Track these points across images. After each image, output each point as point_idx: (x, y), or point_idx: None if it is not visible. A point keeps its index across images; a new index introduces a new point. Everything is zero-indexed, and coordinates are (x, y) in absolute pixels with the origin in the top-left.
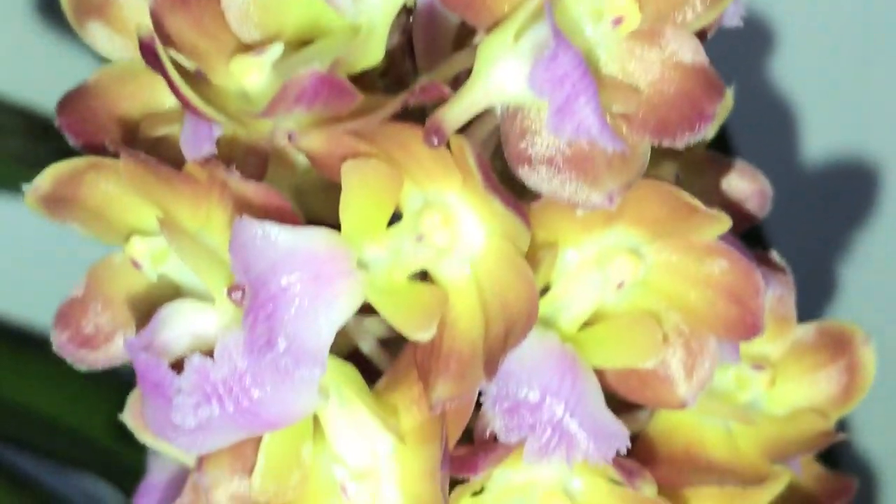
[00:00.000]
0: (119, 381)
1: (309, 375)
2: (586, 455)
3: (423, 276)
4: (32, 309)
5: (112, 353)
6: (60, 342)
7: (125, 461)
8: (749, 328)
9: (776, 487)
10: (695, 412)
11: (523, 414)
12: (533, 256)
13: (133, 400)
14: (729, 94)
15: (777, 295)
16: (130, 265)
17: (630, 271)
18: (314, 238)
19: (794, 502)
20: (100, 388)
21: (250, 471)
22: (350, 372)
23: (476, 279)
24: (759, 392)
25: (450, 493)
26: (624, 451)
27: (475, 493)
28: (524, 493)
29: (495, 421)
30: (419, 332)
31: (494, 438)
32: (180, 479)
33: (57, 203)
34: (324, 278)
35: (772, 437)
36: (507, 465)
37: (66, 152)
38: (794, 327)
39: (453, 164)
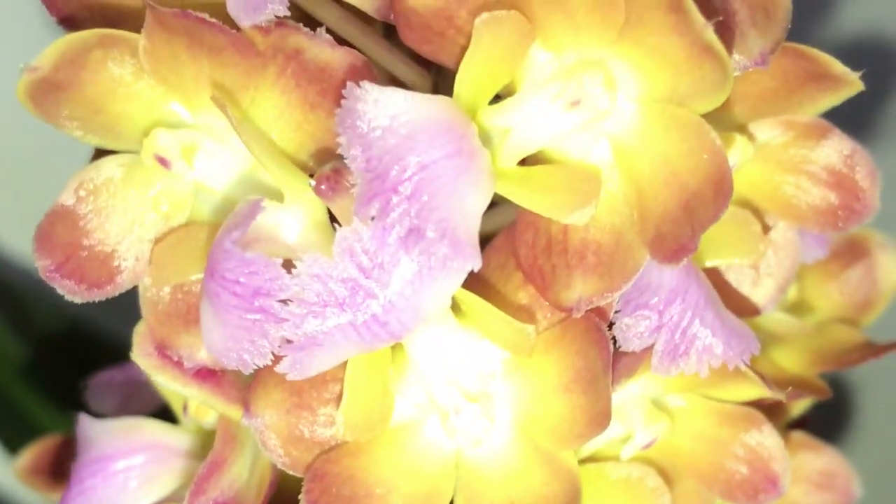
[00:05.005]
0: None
1: (462, 267)
2: (723, 359)
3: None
4: None
5: (115, 281)
6: (47, 270)
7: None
8: (855, 216)
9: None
10: None
11: (650, 316)
12: None
13: (140, 335)
14: None
15: None
16: (131, 171)
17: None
18: (439, 107)
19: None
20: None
21: (307, 407)
22: None
23: (623, 154)
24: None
25: None
26: (756, 352)
27: None
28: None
29: (620, 325)
30: (572, 215)
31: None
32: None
33: (53, 91)
34: (465, 153)
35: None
36: None
37: None
38: None
39: (614, 12)
